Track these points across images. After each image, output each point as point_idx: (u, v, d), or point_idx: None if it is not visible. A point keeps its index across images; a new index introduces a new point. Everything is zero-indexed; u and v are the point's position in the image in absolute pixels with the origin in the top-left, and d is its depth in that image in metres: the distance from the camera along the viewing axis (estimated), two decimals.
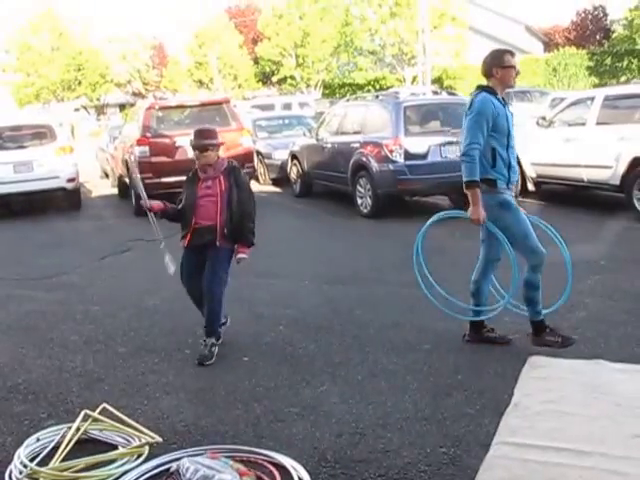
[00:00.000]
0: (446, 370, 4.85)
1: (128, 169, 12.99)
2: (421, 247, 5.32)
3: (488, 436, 3.54)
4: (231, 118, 12.95)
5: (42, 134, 13.45)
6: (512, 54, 5.06)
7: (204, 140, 5.38)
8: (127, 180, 13.46)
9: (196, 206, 5.42)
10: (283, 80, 45.04)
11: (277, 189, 15.58)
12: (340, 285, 7.37)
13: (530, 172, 11.95)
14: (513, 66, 4.96)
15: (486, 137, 4.85)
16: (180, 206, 5.56)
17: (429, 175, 10.72)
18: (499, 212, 4.95)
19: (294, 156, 14.38)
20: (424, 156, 10.80)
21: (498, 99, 4.95)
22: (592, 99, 10.79)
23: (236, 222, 5.36)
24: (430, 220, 5.30)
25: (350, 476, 3.57)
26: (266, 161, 16.40)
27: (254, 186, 14.90)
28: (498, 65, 4.94)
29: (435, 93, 13.13)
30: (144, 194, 5.60)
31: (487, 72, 5.01)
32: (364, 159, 11.32)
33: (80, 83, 50.31)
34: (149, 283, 7.83)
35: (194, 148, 5.41)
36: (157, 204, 5.50)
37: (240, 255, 5.40)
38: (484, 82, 5.04)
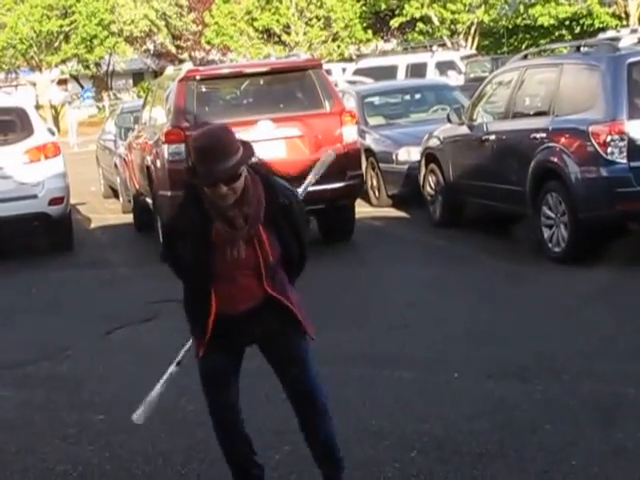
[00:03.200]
0: None
1: (151, 183, 13.25)
2: None
3: None
4: (323, 94, 12.95)
5: (7, 125, 13.77)
6: None
7: (222, 163, 4.61)
8: (150, 201, 13.75)
9: (215, 277, 4.93)
10: (409, 25, 45.28)
11: (401, 213, 15.61)
12: (515, 380, 7.33)
13: None
14: None
15: None
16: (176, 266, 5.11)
17: None
18: None
19: (431, 157, 14.42)
20: None
21: None
22: None
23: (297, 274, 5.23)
24: None
25: None
26: (382, 166, 16.47)
27: (363, 208, 15.00)
28: None
29: None
30: None
31: None
32: (555, 160, 11.23)
33: (67, 38, 50.94)
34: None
35: (206, 185, 4.74)
36: None
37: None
38: None
